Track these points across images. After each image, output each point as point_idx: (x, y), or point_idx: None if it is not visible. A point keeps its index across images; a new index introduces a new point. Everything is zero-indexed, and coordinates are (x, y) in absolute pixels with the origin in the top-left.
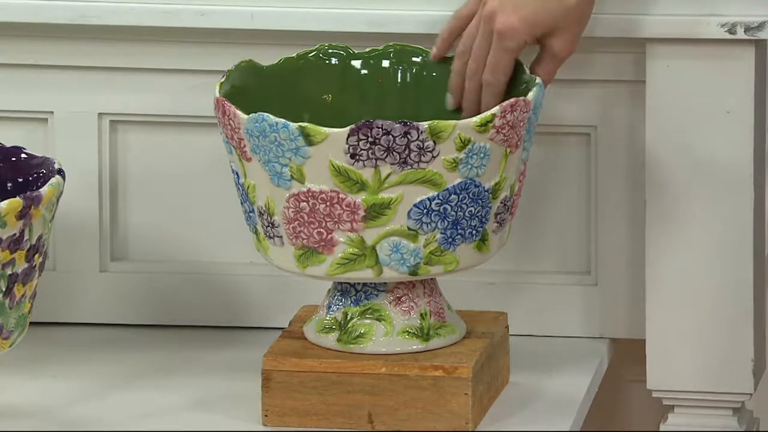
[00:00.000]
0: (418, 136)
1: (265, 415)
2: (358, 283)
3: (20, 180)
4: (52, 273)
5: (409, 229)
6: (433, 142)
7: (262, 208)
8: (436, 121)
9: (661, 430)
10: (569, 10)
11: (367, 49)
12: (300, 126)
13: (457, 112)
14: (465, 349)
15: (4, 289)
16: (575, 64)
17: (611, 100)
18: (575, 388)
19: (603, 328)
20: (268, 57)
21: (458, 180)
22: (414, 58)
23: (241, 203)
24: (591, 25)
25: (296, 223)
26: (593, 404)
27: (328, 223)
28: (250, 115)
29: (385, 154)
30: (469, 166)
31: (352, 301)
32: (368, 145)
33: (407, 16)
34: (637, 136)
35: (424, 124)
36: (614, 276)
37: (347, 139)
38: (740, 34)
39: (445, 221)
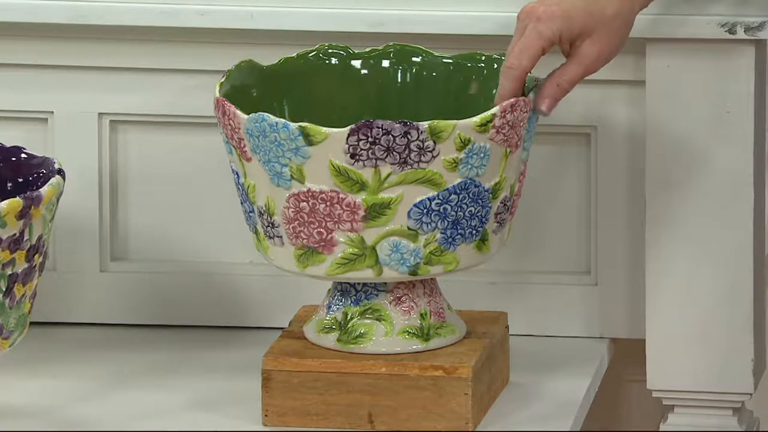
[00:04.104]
0: (418, 136)
1: (265, 415)
2: (358, 283)
3: (20, 180)
4: (52, 273)
5: (409, 229)
6: (433, 142)
7: (262, 208)
8: (436, 121)
9: (661, 430)
10: (607, 20)
11: (367, 49)
12: (300, 126)
13: (465, 112)
14: (465, 349)
15: (4, 289)
16: None
17: (611, 100)
18: (575, 388)
19: (603, 328)
20: (268, 57)
21: (458, 180)
22: (414, 58)
23: (241, 203)
24: None
25: (296, 223)
26: (593, 404)
27: (328, 223)
28: (250, 115)
29: (385, 154)
30: (469, 166)
31: (352, 301)
32: (368, 145)
33: (407, 16)
34: (637, 136)
35: (424, 124)
36: (614, 276)
37: (347, 139)
38: (740, 34)
39: (445, 221)
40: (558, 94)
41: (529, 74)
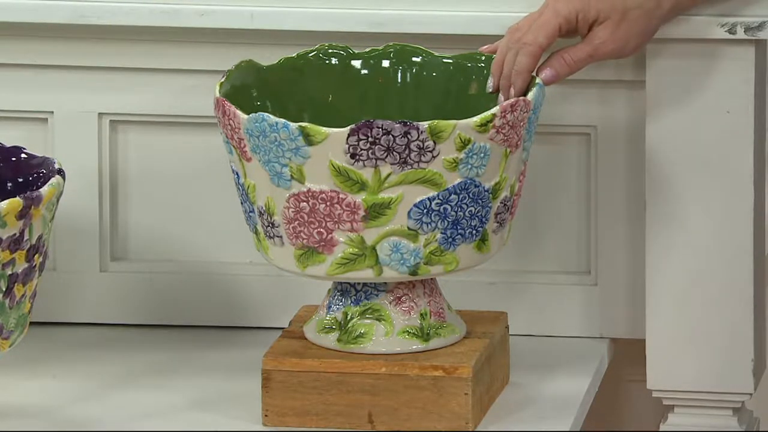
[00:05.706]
0: (418, 136)
1: (265, 415)
2: (358, 283)
3: (20, 180)
4: (52, 273)
5: (409, 229)
6: (433, 142)
7: (262, 208)
8: (436, 121)
9: (661, 430)
10: (626, 9)
11: (367, 49)
12: (300, 126)
13: (464, 110)
14: (465, 349)
15: (4, 289)
16: None
17: (611, 100)
18: (575, 388)
19: (603, 328)
20: (268, 57)
21: (458, 180)
22: (414, 58)
23: (241, 203)
24: None
25: (296, 223)
26: (593, 404)
27: (328, 223)
28: (250, 115)
29: (385, 154)
30: (469, 166)
31: (352, 301)
32: (368, 145)
33: (407, 16)
34: (637, 136)
35: (424, 124)
36: (614, 276)
37: (347, 139)
38: (740, 34)
39: (445, 221)
40: (560, 68)
41: (532, 74)
